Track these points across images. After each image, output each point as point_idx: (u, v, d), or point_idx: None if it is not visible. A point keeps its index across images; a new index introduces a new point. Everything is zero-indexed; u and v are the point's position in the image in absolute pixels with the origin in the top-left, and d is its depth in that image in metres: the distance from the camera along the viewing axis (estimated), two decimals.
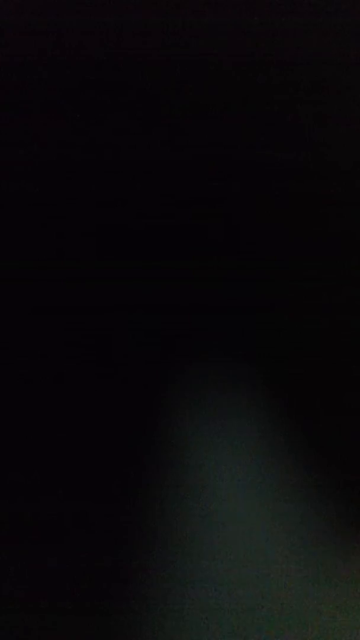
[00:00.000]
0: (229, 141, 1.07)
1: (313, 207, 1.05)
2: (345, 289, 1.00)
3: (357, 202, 1.05)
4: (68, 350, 0.99)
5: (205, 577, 0.89)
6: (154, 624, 0.86)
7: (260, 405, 0.96)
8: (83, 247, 1.05)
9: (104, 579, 0.89)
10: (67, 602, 0.88)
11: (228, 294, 1.01)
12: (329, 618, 0.87)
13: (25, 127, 1.06)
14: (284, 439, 0.94)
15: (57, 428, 0.95)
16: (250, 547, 0.90)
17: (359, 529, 0.91)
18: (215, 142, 1.07)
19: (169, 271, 1.02)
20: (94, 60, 1.06)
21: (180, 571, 0.89)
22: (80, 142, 1.06)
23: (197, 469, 0.93)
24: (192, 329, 0.99)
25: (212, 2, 1.08)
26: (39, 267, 1.05)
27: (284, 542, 0.90)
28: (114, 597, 0.88)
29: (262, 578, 0.89)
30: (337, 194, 1.04)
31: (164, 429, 0.95)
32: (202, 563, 0.89)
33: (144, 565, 0.89)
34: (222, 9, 1.07)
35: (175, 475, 0.93)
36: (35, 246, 1.06)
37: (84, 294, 1.01)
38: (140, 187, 1.06)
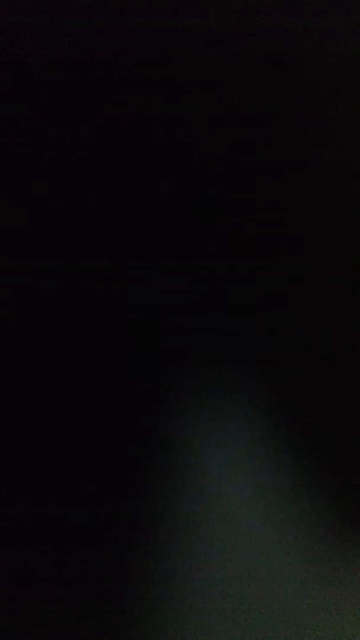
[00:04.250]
0: (229, 141, 1.07)
1: (313, 207, 1.05)
2: (345, 289, 1.00)
3: (357, 202, 1.05)
4: (67, 351, 0.99)
5: (205, 577, 0.89)
6: (154, 623, 0.86)
7: (260, 406, 0.96)
8: (83, 247, 1.05)
9: (104, 579, 0.89)
10: (67, 602, 0.88)
11: (228, 294, 1.01)
12: (329, 618, 0.87)
13: (25, 127, 1.06)
14: (284, 439, 0.94)
15: (57, 429, 0.95)
16: (250, 547, 0.90)
17: (359, 528, 0.91)
18: (215, 143, 1.07)
19: (168, 271, 1.02)
20: (94, 60, 1.06)
21: (180, 571, 0.89)
22: (80, 142, 1.06)
23: (197, 469, 0.93)
24: (192, 329, 0.99)
25: (212, 2, 1.08)
26: (38, 267, 1.05)
27: (284, 542, 0.90)
28: (114, 597, 0.88)
29: (262, 578, 0.89)
30: (337, 194, 1.04)
31: (163, 430, 0.95)
32: (202, 563, 0.89)
33: (144, 565, 0.89)
34: (222, 9, 1.07)
35: (175, 475, 0.93)
36: (35, 246, 1.06)
37: (84, 294, 1.01)
38: (140, 187, 1.06)
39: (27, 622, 0.87)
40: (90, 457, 0.94)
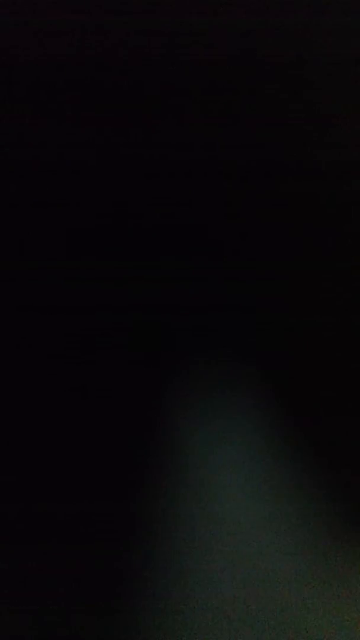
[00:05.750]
0: (229, 142, 1.07)
1: (313, 207, 1.05)
2: (345, 289, 1.00)
3: (357, 202, 1.05)
4: (67, 351, 0.99)
5: (205, 577, 0.89)
6: (154, 623, 0.86)
7: (261, 405, 0.96)
8: (83, 248, 1.05)
9: (104, 579, 0.89)
10: (67, 602, 0.88)
11: (228, 293, 1.01)
12: (329, 618, 0.87)
13: (25, 127, 1.06)
14: (284, 439, 0.94)
15: (58, 429, 0.95)
16: (250, 547, 0.90)
17: (359, 529, 0.91)
18: (215, 143, 1.07)
19: (168, 271, 1.02)
20: (94, 60, 1.06)
21: (180, 571, 0.89)
22: (80, 143, 1.06)
23: (197, 469, 0.93)
24: (192, 329, 0.99)
25: (212, 3, 1.08)
26: (38, 267, 1.05)
27: (284, 542, 0.90)
28: (114, 596, 0.88)
29: (262, 579, 0.89)
30: (337, 194, 1.05)
31: (164, 429, 0.95)
32: (202, 563, 0.90)
33: (144, 564, 0.89)
34: (222, 9, 1.07)
35: (176, 475, 0.93)
36: (35, 246, 1.06)
37: (84, 294, 1.01)
38: (140, 188, 1.07)
39: (27, 622, 0.87)
40: (91, 457, 0.94)
